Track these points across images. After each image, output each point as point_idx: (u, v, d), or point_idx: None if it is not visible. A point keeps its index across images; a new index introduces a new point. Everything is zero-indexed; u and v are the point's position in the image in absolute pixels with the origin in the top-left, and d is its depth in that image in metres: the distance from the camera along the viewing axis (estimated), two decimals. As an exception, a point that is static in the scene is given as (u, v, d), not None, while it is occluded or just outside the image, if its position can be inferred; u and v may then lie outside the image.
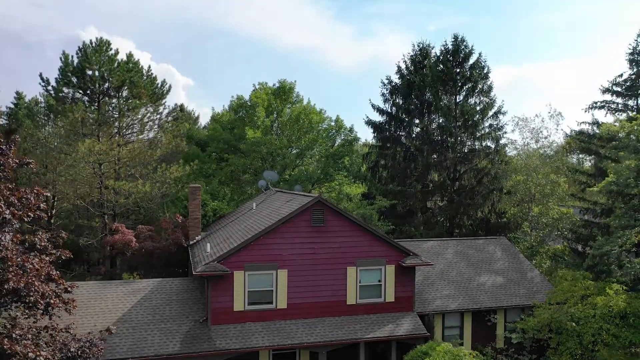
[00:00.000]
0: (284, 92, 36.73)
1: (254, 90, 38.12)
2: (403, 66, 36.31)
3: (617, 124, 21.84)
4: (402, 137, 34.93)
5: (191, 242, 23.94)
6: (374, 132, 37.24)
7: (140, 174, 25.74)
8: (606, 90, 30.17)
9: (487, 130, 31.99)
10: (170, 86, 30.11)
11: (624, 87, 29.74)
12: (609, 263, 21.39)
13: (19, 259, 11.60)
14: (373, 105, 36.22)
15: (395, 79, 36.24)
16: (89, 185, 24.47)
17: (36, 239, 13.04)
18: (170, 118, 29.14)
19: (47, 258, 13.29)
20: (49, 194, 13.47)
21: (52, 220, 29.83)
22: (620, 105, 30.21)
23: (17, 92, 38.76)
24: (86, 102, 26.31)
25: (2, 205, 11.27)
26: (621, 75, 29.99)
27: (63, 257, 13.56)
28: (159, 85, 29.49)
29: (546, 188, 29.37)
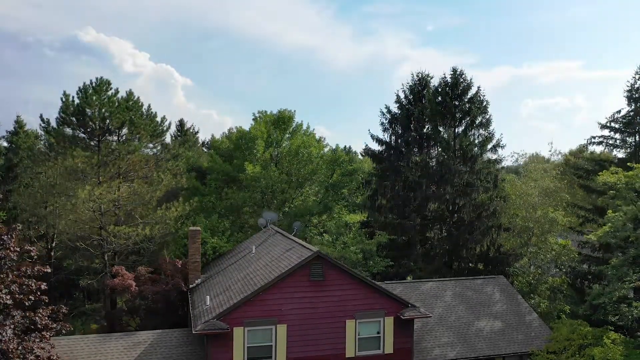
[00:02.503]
0: (283, 121, 36.91)
1: (254, 118, 38.32)
2: (402, 95, 36.48)
3: (615, 173, 21.91)
4: (402, 167, 35.02)
5: (191, 286, 24.06)
6: (373, 162, 37.47)
7: (140, 214, 25.88)
8: (604, 127, 30.39)
9: (486, 164, 32.07)
10: (170, 123, 30.38)
11: (622, 124, 29.95)
12: (605, 313, 21.52)
13: (19, 348, 11.70)
14: (372, 136, 36.43)
15: (395, 108, 36.42)
16: (89, 228, 24.61)
17: (37, 317, 13.13)
18: (169, 155, 29.23)
19: (48, 334, 13.38)
20: (49, 270, 13.55)
21: (52, 259, 30.01)
22: (618, 141, 30.43)
23: (17, 118, 38.97)
24: (86, 141, 26.42)
25: (3, 295, 11.37)
26: (619, 112, 30.24)
27: (64, 331, 13.62)
28: (159, 123, 29.68)
29: (545, 226, 29.49)
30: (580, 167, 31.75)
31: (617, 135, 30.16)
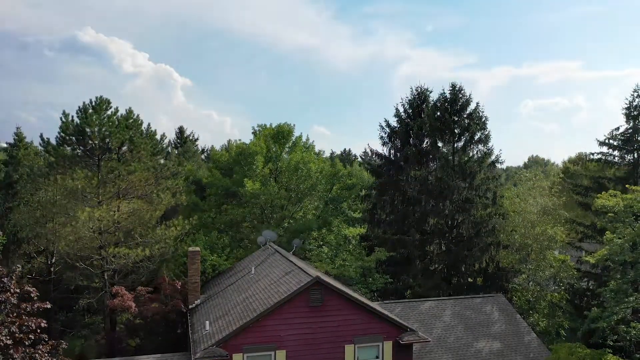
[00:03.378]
0: (282, 135, 37.01)
1: (253, 132, 38.45)
2: (401, 109, 36.60)
3: (614, 196, 21.97)
4: (401, 182, 35.09)
5: (190, 307, 24.13)
6: (372, 175, 37.58)
7: (139, 233, 25.97)
8: (602, 144, 30.46)
9: (484, 181, 32.15)
10: (169, 142, 30.52)
11: (620, 141, 30.02)
12: (604, 336, 21.59)
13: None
14: (372, 150, 36.61)
15: (394, 122, 36.54)
16: (88, 248, 24.72)
17: (37, 354, 13.19)
18: (169, 173, 29.31)
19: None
20: (49, 305, 13.62)
21: (52, 274, 30.08)
22: (617, 158, 30.50)
23: (16, 130, 39.03)
24: (86, 160, 26.50)
25: (3, 337, 11.45)
26: (618, 129, 30.31)
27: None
28: (159, 140, 29.79)
29: (544, 243, 29.57)
30: (579, 185, 31.84)
31: (616, 152, 30.24)
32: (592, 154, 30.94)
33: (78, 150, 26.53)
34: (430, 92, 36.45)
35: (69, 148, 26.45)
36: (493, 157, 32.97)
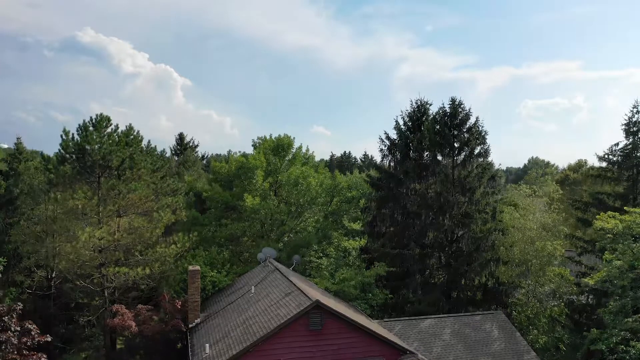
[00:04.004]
0: (282, 148, 37.10)
1: (253, 145, 38.53)
2: (401, 122, 36.60)
3: (612, 217, 22.01)
4: (400, 195, 35.13)
5: (190, 326, 24.18)
6: (372, 188, 37.58)
7: (139, 251, 26.03)
8: (602, 159, 30.50)
9: (484, 196, 32.20)
10: (169, 158, 30.59)
11: (620, 157, 30.06)
12: (603, 358, 21.63)
13: None
14: (371, 163, 36.71)
15: (393, 134, 36.56)
16: (89, 267, 24.80)
17: (37, 388, 13.23)
18: (169, 189, 29.36)
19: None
20: (49, 339, 13.64)
21: (53, 288, 30.12)
22: (616, 173, 30.52)
23: (17, 141, 39.02)
24: (86, 177, 26.56)
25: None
26: (617, 144, 30.35)
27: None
28: (159, 156, 29.84)
29: (543, 259, 29.63)
30: (578, 200, 31.87)
31: (615, 168, 30.27)
32: (592, 168, 30.98)
33: (78, 168, 26.54)
34: (430, 104, 36.45)
35: (69, 165, 26.47)
36: (492, 171, 33.00)
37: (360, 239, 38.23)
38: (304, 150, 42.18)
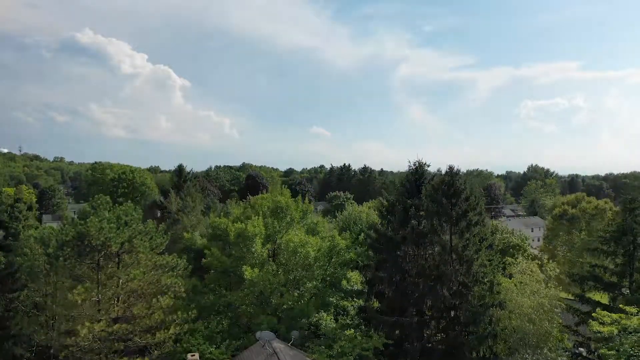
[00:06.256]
0: (281, 210, 37.33)
1: (250, 205, 38.71)
2: (398, 183, 36.83)
3: (607, 323, 22.20)
4: (399, 259, 35.31)
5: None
6: (370, 249, 37.79)
7: (139, 337, 26.19)
8: (600, 237, 30.72)
9: (481, 268, 32.37)
10: (168, 234, 30.79)
11: (615, 233, 30.29)
12: None
13: None
14: (370, 226, 36.84)
15: (392, 196, 36.77)
16: (89, 356, 25.00)
17: None
18: (168, 267, 29.55)
19: None
20: None
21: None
22: (612, 247, 30.73)
23: (16, 204, 39.17)
24: (86, 262, 26.79)
25: None
26: (614, 220, 30.55)
27: None
28: (158, 233, 29.93)
29: (541, 338, 29.83)
30: (576, 274, 32.11)
31: (612, 244, 30.45)
32: (590, 241, 31.18)
33: (77, 251, 26.73)
34: (428, 165, 36.76)
35: (68, 251, 26.66)
36: (490, 241, 33.19)
37: (359, 299, 38.53)
38: (302, 200, 42.60)
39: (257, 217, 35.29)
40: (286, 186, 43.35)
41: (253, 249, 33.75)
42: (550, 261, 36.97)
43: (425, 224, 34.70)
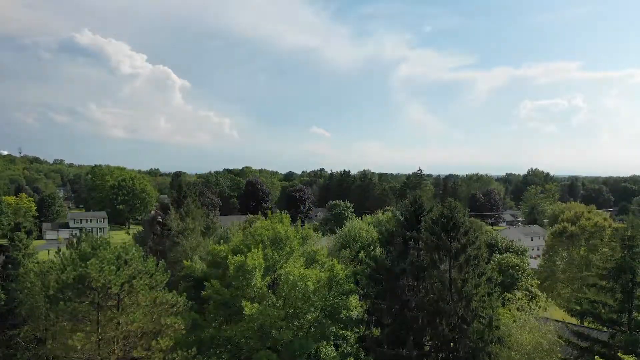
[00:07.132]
0: (280, 240, 37.42)
1: (250, 234, 38.83)
2: (398, 213, 36.93)
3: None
4: (398, 290, 35.42)
5: None
6: (370, 280, 37.90)
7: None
8: (598, 274, 30.81)
9: (480, 303, 32.44)
10: (166, 266, 30.93)
11: (614, 270, 30.37)
12: None
13: None
14: (370, 256, 36.94)
15: (391, 226, 36.88)
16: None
17: None
18: (168, 305, 29.66)
19: None
20: None
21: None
22: (610, 284, 30.81)
23: (15, 234, 39.24)
24: (85, 303, 26.88)
25: None
26: (612, 256, 30.63)
27: None
28: (157, 269, 30.00)
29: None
30: (574, 309, 32.21)
31: (610, 280, 30.52)
32: (589, 276, 31.25)
33: (77, 292, 26.82)
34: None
35: (69, 293, 26.74)
36: (488, 274, 33.27)
37: (359, 328, 38.64)
38: (301, 227, 42.74)
39: (256, 248, 35.36)
40: (285, 212, 43.25)
41: (253, 283, 33.83)
42: (550, 300, 36.98)
43: (424, 256, 34.82)
